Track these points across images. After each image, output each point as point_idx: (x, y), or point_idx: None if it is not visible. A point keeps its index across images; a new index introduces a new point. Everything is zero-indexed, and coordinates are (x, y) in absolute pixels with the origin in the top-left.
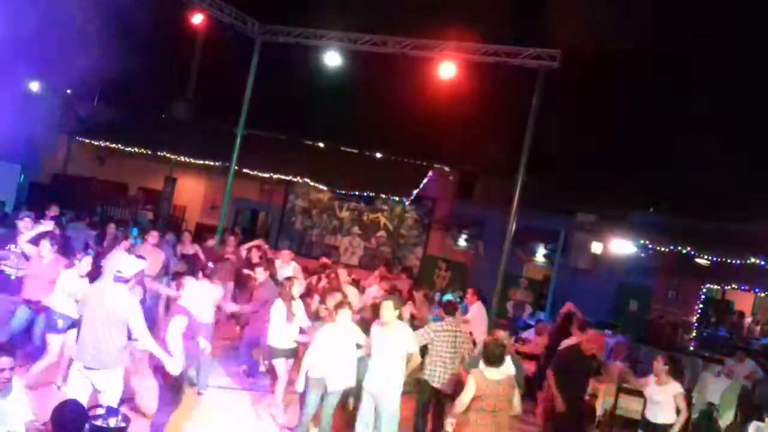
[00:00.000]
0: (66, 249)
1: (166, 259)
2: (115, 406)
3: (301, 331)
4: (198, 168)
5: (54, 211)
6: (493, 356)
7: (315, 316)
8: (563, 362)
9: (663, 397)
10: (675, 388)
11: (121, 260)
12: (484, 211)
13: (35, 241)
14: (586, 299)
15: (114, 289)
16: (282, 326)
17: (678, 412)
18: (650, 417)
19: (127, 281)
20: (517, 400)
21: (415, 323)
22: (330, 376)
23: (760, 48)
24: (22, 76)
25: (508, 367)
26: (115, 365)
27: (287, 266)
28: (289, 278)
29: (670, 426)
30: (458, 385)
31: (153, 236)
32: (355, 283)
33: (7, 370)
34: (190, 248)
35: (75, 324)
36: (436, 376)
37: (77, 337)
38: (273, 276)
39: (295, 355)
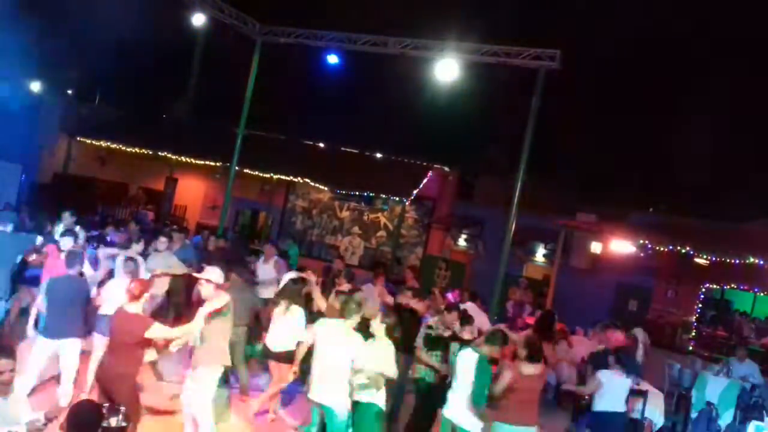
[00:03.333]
0: None
1: None
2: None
3: None
4: (198, 168)
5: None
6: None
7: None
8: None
9: None
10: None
11: None
12: (484, 211)
13: None
14: (585, 299)
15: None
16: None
17: None
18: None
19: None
20: None
21: None
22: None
23: (759, 47)
24: (23, 76)
25: None
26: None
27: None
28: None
29: None
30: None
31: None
32: None
33: (8, 372)
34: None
35: None
36: None
37: None
38: None
39: (290, 360)
